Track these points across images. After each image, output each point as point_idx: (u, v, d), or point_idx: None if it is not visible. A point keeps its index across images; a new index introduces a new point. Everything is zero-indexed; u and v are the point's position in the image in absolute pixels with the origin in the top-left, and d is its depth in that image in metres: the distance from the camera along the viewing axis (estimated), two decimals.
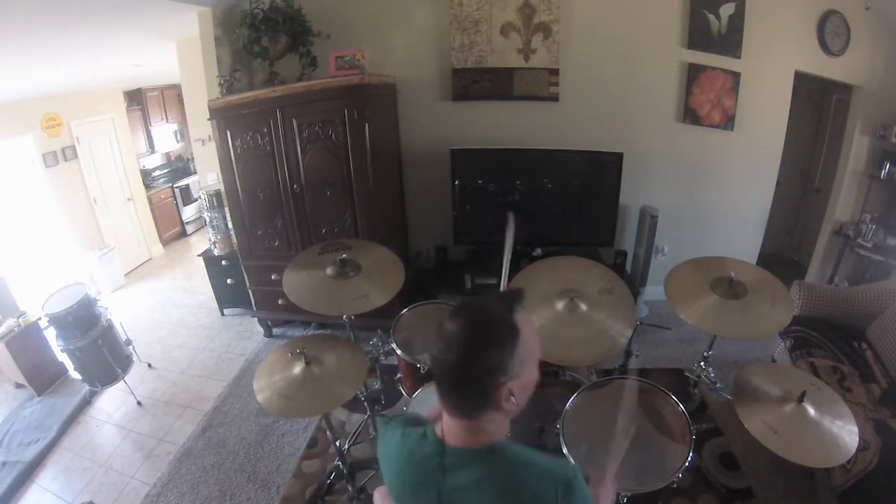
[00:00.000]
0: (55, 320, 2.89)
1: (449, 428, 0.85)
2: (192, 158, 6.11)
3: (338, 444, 2.05)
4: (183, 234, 6.68)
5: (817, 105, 4.21)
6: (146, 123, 6.14)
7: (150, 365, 3.55)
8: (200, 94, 3.39)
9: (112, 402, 3.18)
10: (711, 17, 3.14)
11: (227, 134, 3.16)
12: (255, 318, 3.85)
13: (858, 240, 3.60)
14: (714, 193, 3.63)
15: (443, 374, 0.81)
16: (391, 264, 2.25)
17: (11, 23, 2.35)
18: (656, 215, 3.41)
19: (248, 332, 3.94)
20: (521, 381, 0.80)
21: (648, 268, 3.57)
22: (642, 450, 1.60)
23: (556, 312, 1.85)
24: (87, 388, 3.14)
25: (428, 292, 3.33)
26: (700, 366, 2.27)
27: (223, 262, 3.99)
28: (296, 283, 2.13)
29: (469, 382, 0.79)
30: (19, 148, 4.38)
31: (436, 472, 0.85)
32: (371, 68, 3.14)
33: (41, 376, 3.34)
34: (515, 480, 0.81)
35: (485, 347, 0.77)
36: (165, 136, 6.57)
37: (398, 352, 2.13)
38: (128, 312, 4.42)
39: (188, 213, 6.71)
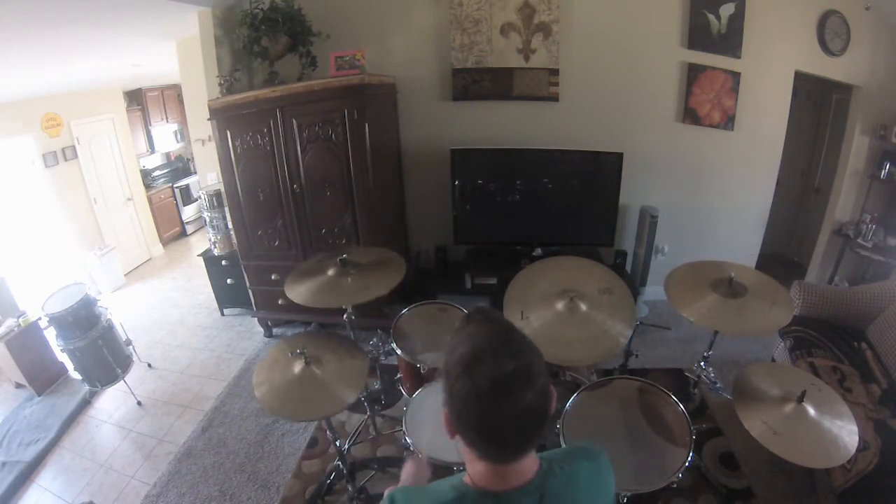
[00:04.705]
0: (55, 320, 2.89)
1: (493, 476, 0.74)
2: (192, 158, 6.11)
3: (338, 444, 2.05)
4: (183, 234, 6.68)
5: (817, 105, 4.21)
6: (146, 123, 6.14)
7: (150, 365, 3.54)
8: (200, 94, 3.39)
9: (112, 402, 3.18)
10: (711, 17, 3.14)
11: (227, 134, 3.16)
12: (255, 318, 3.85)
13: (858, 240, 3.60)
14: (714, 193, 3.63)
15: (516, 418, 0.69)
16: (392, 261, 2.25)
17: (11, 23, 2.35)
18: (656, 215, 3.41)
19: (248, 332, 3.93)
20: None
21: (648, 268, 3.57)
22: (642, 450, 1.61)
23: (556, 312, 1.85)
24: (87, 388, 3.14)
25: (428, 292, 3.33)
26: (700, 366, 2.27)
27: (223, 262, 3.99)
28: (297, 288, 2.13)
29: (545, 408, 0.72)
30: (19, 148, 4.38)
31: None
32: (371, 68, 3.13)
33: (41, 376, 3.34)
34: (580, 481, 0.80)
35: (541, 360, 0.72)
36: (165, 136, 6.57)
37: (398, 352, 2.13)
38: (128, 312, 4.42)
39: (188, 213, 6.71)
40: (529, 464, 0.76)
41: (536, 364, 0.71)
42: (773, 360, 2.73)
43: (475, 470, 0.75)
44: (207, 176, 4.25)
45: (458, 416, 0.71)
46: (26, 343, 3.27)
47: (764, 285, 2.02)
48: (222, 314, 4.23)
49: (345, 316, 2.28)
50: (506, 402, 0.67)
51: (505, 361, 0.68)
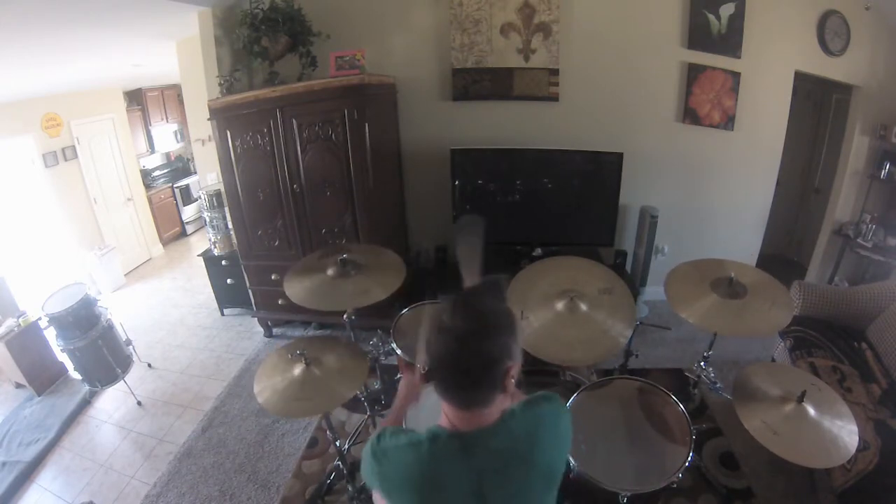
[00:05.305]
0: (55, 320, 2.89)
1: (459, 419, 0.86)
2: (192, 158, 6.11)
3: (338, 444, 2.05)
4: (183, 234, 6.68)
5: (817, 105, 4.21)
6: (146, 123, 6.14)
7: (150, 365, 3.55)
8: (200, 94, 3.39)
9: (112, 402, 3.18)
10: (711, 17, 3.14)
11: (227, 134, 3.16)
12: (255, 318, 3.85)
13: (858, 240, 3.60)
14: (714, 193, 3.63)
15: (456, 368, 0.83)
16: (392, 263, 2.25)
17: (11, 23, 2.35)
18: (656, 215, 3.41)
19: (248, 332, 3.94)
20: (519, 363, 0.86)
21: (648, 268, 3.57)
22: (642, 450, 1.61)
23: (556, 312, 1.85)
24: (87, 388, 3.14)
25: (428, 292, 3.33)
26: (700, 366, 2.27)
27: (223, 262, 3.99)
28: (297, 286, 2.13)
29: (485, 371, 0.82)
30: (19, 148, 4.37)
31: (465, 461, 0.84)
32: (371, 68, 3.13)
33: (41, 376, 3.34)
34: (539, 425, 0.89)
35: (497, 335, 0.83)
36: (165, 136, 6.57)
37: (398, 352, 2.13)
38: (128, 312, 4.42)
39: (188, 213, 6.71)
40: (492, 412, 0.87)
41: (480, 333, 0.82)
42: (773, 360, 2.73)
43: (447, 411, 0.88)
44: (207, 176, 4.25)
45: (428, 363, 0.87)
46: (26, 343, 3.27)
47: (764, 285, 2.02)
48: (222, 314, 4.23)
49: (345, 316, 2.27)
50: (452, 353, 0.82)
51: (454, 324, 0.83)
